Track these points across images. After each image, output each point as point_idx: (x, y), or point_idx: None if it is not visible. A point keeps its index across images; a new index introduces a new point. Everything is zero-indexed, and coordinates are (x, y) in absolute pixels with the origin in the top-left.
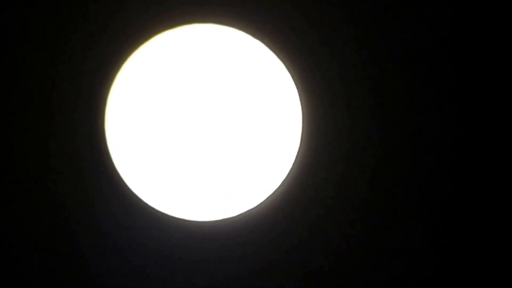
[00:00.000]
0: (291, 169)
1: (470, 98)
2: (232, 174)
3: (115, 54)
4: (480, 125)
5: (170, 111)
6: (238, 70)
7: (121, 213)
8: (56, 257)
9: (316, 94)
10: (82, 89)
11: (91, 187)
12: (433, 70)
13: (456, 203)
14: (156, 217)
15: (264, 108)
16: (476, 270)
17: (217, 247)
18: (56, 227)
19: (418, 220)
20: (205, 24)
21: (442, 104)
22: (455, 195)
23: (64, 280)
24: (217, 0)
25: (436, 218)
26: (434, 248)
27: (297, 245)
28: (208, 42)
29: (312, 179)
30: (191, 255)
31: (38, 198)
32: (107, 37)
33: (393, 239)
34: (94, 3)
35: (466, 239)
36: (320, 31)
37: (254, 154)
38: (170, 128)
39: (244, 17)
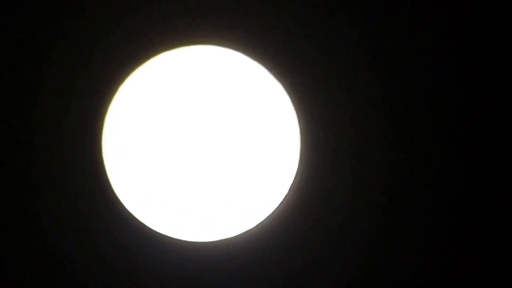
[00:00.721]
0: (288, 191)
1: (468, 105)
2: (230, 194)
3: (113, 75)
4: (483, 128)
5: (169, 131)
6: (236, 92)
7: (118, 233)
8: (48, 274)
9: (315, 118)
10: (80, 110)
11: (87, 207)
12: (435, 95)
13: (461, 215)
14: (153, 237)
15: (263, 131)
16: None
17: (215, 268)
18: (49, 247)
19: (423, 233)
20: (203, 46)
21: (444, 120)
22: (459, 206)
23: None
24: (216, 22)
25: (440, 229)
26: (441, 259)
27: (300, 265)
28: (206, 63)
29: (310, 202)
30: (189, 276)
31: (29, 218)
32: (105, 58)
33: (399, 251)
34: (92, 23)
35: (471, 246)
36: (320, 54)
37: (253, 177)
38: (168, 147)
39: (242, 39)
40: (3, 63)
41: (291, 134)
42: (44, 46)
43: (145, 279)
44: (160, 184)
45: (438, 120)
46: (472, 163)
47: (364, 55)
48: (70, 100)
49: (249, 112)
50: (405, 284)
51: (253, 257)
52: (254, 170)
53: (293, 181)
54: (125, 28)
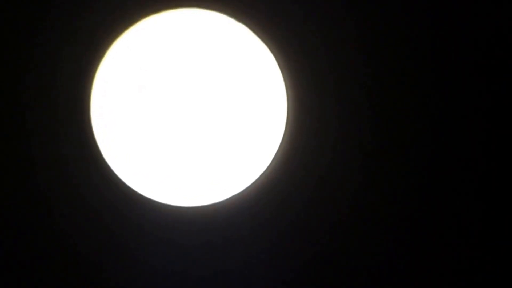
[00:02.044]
0: (276, 154)
1: (460, 101)
2: (217, 160)
3: (99, 39)
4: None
5: (154, 97)
6: (222, 55)
7: (107, 198)
8: (43, 243)
9: (301, 79)
10: (66, 76)
11: (77, 175)
12: (419, 66)
13: (449, 203)
14: (142, 202)
15: (249, 93)
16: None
17: (203, 232)
18: (44, 219)
19: (406, 207)
20: (189, 9)
21: (426, 95)
22: (441, 167)
23: (46, 258)
24: None
25: (425, 212)
26: (422, 243)
27: (283, 232)
28: (192, 26)
29: (298, 164)
30: (178, 241)
31: (23, 192)
32: (91, 22)
33: (380, 225)
34: None
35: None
36: (307, 17)
37: (239, 139)
38: (154, 115)
39: (227, 1)
40: None
41: (277, 97)
42: (29, 10)
43: (133, 243)
44: (148, 150)
45: (420, 89)
46: (461, 158)
47: (351, 22)
48: (57, 65)
49: (236, 76)
50: (390, 239)
51: (240, 221)
52: (241, 134)
53: (280, 145)
54: None
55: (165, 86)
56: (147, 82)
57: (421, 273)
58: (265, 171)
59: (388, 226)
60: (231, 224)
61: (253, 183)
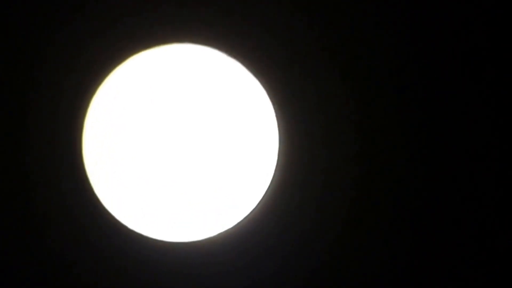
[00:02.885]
0: (267, 189)
1: (450, 141)
2: (209, 193)
3: (92, 74)
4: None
5: (147, 129)
6: (214, 89)
7: (96, 233)
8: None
9: (292, 113)
10: (60, 110)
11: (68, 208)
12: (403, 85)
13: (439, 224)
14: (132, 237)
15: (241, 128)
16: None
17: (197, 267)
18: (34, 245)
19: (398, 236)
20: (182, 44)
21: (412, 105)
22: (437, 216)
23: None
24: (194, 19)
25: (417, 239)
26: (420, 268)
27: (275, 266)
28: (184, 61)
29: (290, 196)
30: (170, 276)
31: (13, 216)
32: (84, 58)
33: (374, 254)
34: (71, 26)
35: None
36: (298, 50)
37: (231, 174)
38: (147, 146)
39: (220, 36)
40: None
41: (269, 133)
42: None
43: (123, 279)
44: (139, 184)
45: (406, 104)
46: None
47: (342, 58)
48: (50, 101)
49: (227, 110)
50: (381, 274)
51: (231, 256)
52: (233, 169)
53: (271, 181)
54: (104, 29)
55: (156, 122)
56: (139, 117)
57: None
58: (256, 207)
59: (378, 258)
60: (222, 259)
61: (244, 219)
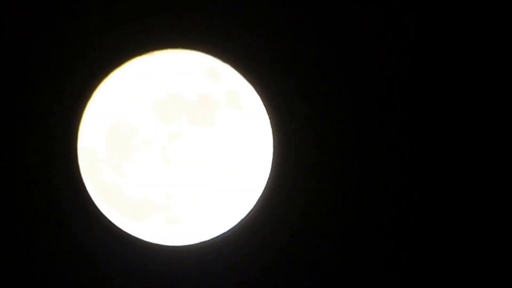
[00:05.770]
0: (260, 196)
1: (431, 136)
2: (204, 199)
3: (89, 78)
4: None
5: (143, 133)
6: (208, 95)
7: (93, 236)
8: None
9: (286, 119)
10: (55, 115)
11: (63, 211)
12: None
13: (438, 228)
14: (128, 241)
15: (236, 133)
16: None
17: (190, 270)
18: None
19: (383, 246)
20: (177, 50)
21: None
22: (436, 222)
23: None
24: (189, 27)
25: (417, 243)
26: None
27: (265, 270)
28: (182, 67)
29: (283, 203)
30: (162, 280)
31: (12, 216)
32: (81, 60)
33: (359, 269)
34: (70, 33)
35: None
36: (293, 56)
37: (225, 182)
38: (141, 155)
39: (216, 43)
40: None
41: (263, 137)
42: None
43: (120, 283)
44: (134, 190)
45: (401, 109)
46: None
47: (337, 63)
48: (47, 105)
49: (223, 118)
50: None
51: (224, 260)
52: (228, 175)
53: (264, 187)
54: (100, 33)
55: (152, 124)
56: (135, 119)
57: None
58: (250, 211)
59: (374, 262)
60: (215, 263)
61: (239, 223)
